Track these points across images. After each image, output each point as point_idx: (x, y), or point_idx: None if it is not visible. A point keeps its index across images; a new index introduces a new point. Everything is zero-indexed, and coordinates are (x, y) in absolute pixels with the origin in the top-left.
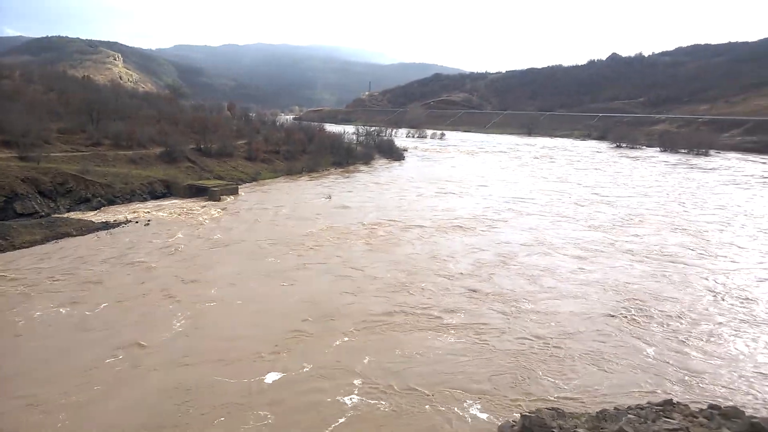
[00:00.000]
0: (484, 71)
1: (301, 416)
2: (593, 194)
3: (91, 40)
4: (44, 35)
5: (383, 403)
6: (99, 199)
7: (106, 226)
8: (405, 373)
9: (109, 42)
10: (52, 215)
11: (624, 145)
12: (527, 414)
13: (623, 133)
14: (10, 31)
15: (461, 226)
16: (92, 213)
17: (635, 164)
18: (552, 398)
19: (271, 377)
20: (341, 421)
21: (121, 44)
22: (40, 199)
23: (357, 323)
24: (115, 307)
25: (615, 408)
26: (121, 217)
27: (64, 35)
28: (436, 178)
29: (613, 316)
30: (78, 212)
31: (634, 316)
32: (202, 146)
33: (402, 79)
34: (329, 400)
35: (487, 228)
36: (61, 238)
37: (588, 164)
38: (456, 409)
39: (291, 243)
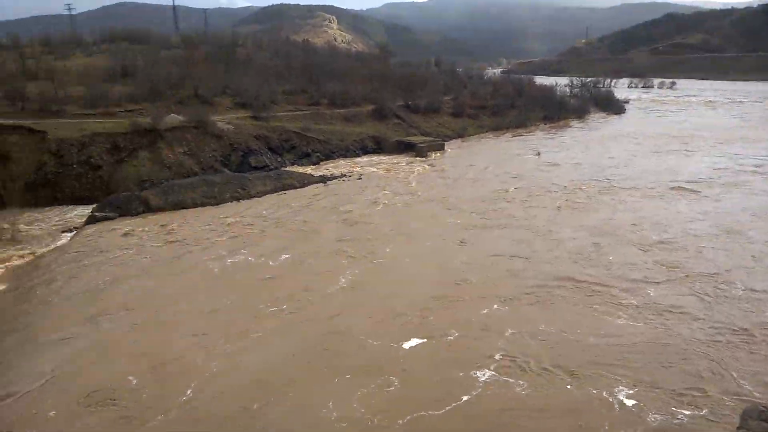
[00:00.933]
0: (728, 6)
1: (425, 387)
2: None
3: (309, 6)
4: (269, 4)
5: (520, 382)
6: (318, 154)
7: (323, 179)
8: (551, 353)
9: (324, 6)
10: (280, 168)
11: None
12: None
13: None
14: (241, 2)
15: (682, 188)
16: (311, 167)
17: None
18: (733, 401)
19: (410, 342)
20: (464, 398)
21: (336, 7)
22: (269, 154)
23: (517, 291)
24: (300, 258)
25: None
26: (336, 172)
27: (285, 3)
28: (660, 134)
29: None
30: (299, 166)
31: None
32: (410, 103)
33: (625, 23)
34: (461, 374)
35: (716, 193)
36: (287, 189)
37: None
38: (605, 393)
39: (485, 201)
